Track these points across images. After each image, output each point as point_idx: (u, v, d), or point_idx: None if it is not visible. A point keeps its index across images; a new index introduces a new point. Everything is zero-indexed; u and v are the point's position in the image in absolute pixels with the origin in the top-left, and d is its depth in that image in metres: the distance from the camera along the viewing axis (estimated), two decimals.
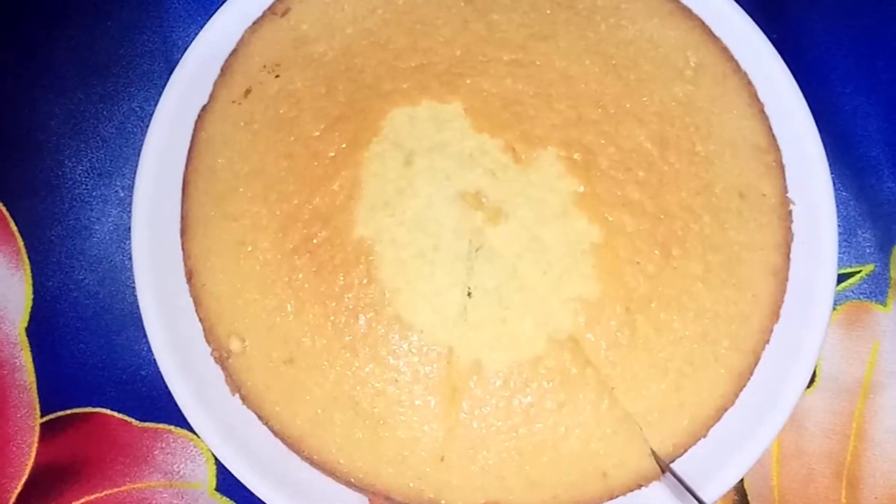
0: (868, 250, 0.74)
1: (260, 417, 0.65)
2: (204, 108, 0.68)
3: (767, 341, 0.64)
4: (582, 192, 0.63)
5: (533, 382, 0.62)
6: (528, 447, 0.63)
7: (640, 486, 0.63)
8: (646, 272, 0.63)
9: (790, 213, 0.65)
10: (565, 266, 0.63)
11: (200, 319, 0.66)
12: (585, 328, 0.63)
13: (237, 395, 0.65)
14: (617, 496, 0.63)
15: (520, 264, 0.63)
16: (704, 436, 0.64)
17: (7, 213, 0.73)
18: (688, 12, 0.69)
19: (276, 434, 0.65)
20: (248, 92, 0.67)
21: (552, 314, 0.62)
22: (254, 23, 0.69)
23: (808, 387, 0.67)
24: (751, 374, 0.64)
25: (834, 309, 0.66)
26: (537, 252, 0.63)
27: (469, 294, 0.62)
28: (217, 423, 0.65)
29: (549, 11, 0.68)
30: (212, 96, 0.68)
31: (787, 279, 0.65)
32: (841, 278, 0.71)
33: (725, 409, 0.64)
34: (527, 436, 0.63)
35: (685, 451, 0.64)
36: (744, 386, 0.64)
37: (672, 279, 0.63)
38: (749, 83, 0.67)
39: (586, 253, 0.63)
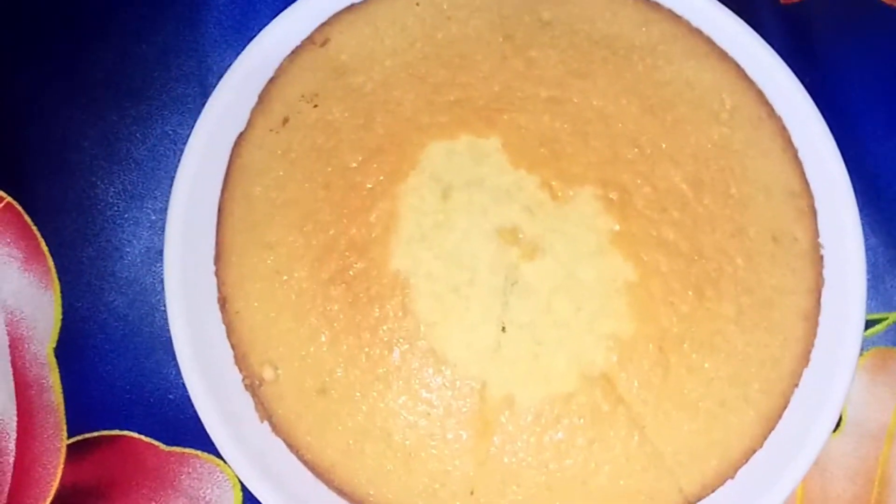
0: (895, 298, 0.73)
1: (290, 446, 0.65)
2: (241, 135, 0.68)
3: (797, 385, 0.65)
4: (617, 231, 0.64)
5: (564, 418, 0.62)
6: (558, 483, 0.63)
7: None
8: (679, 312, 0.63)
9: (822, 258, 0.66)
10: (600, 304, 0.63)
11: (232, 346, 0.66)
12: (618, 366, 0.63)
13: (266, 423, 0.65)
14: None
15: (554, 300, 0.63)
16: (732, 477, 0.64)
17: (38, 233, 0.73)
18: (723, 55, 0.69)
19: (305, 463, 0.65)
20: (285, 121, 0.67)
21: (585, 351, 0.63)
22: (292, 51, 0.69)
23: (834, 431, 0.67)
24: (780, 417, 0.64)
25: (861, 355, 0.66)
26: (572, 289, 0.63)
27: (503, 329, 0.62)
28: (245, 450, 0.65)
29: (586, 50, 0.68)
30: (249, 123, 0.68)
31: (817, 324, 0.65)
32: (868, 324, 0.72)
33: (754, 451, 0.64)
34: (557, 471, 0.63)
35: (713, 491, 0.64)
36: (772, 429, 0.64)
37: (705, 320, 0.64)
38: (783, 127, 0.68)
39: (620, 291, 0.63)
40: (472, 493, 0.63)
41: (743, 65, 0.69)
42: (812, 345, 0.65)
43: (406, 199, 0.64)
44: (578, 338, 0.63)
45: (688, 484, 0.64)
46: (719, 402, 0.64)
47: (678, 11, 0.70)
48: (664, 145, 0.66)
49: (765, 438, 0.65)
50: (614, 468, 0.63)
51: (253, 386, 0.65)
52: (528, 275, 0.63)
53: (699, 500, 0.64)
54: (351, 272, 0.64)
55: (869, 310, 0.72)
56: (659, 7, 0.70)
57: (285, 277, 0.65)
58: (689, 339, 0.64)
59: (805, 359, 0.65)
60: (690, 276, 0.64)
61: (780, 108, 0.69)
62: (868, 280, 0.66)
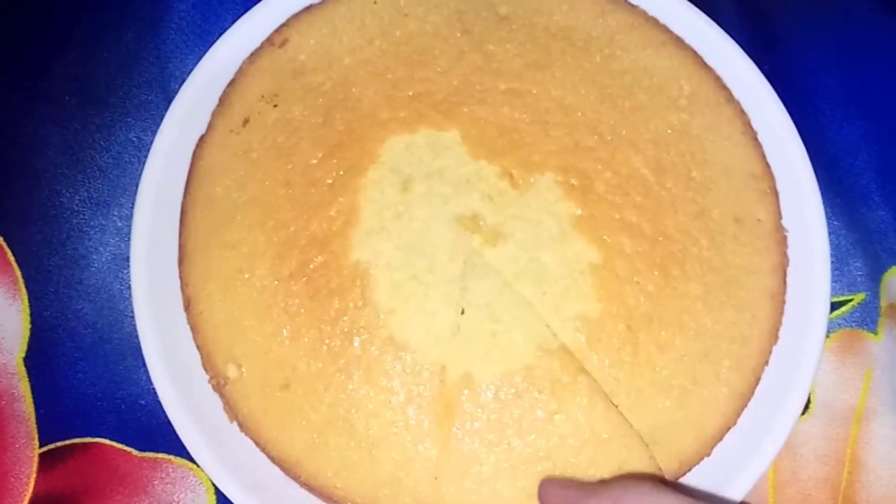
0: (859, 279, 0.74)
1: (257, 444, 0.65)
2: (202, 138, 0.68)
3: (766, 363, 0.64)
4: (579, 216, 0.64)
5: (524, 393, 0.63)
6: (522, 459, 0.63)
7: None
8: (646, 291, 0.64)
9: (785, 238, 0.66)
10: (565, 286, 0.63)
11: (198, 347, 0.66)
12: (587, 346, 0.63)
13: (235, 423, 0.65)
14: None
15: (518, 285, 0.63)
16: (709, 454, 0.64)
17: (4, 244, 0.73)
18: (680, 42, 0.70)
19: (273, 460, 0.65)
20: (246, 121, 0.68)
21: (546, 328, 0.63)
22: (252, 53, 0.70)
23: (803, 413, 0.67)
24: (752, 393, 0.64)
25: (827, 336, 0.66)
26: (536, 273, 0.63)
27: (462, 312, 0.62)
28: (216, 452, 0.65)
29: (544, 42, 0.69)
30: (210, 126, 0.68)
31: (784, 302, 0.65)
32: (833, 307, 0.72)
33: (728, 428, 0.64)
34: (520, 447, 0.63)
35: (690, 468, 0.64)
36: (745, 406, 0.64)
37: (672, 298, 0.64)
38: (742, 112, 0.68)
39: (585, 273, 0.63)
40: (436, 478, 0.62)
41: (700, 52, 0.70)
42: (780, 322, 0.65)
43: (366, 193, 0.65)
44: (544, 320, 0.62)
45: (666, 462, 0.63)
46: (691, 380, 0.64)
47: (634, 1, 0.70)
48: (624, 132, 0.66)
49: (738, 415, 0.65)
50: (578, 439, 0.63)
51: (219, 385, 0.65)
52: (490, 260, 0.63)
53: (677, 477, 0.64)
54: (311, 266, 0.64)
55: (834, 292, 0.72)
56: None
57: (247, 276, 0.65)
58: (657, 318, 0.64)
59: (774, 336, 0.65)
60: (655, 256, 0.64)
61: (738, 93, 0.69)
62: (832, 263, 0.66)
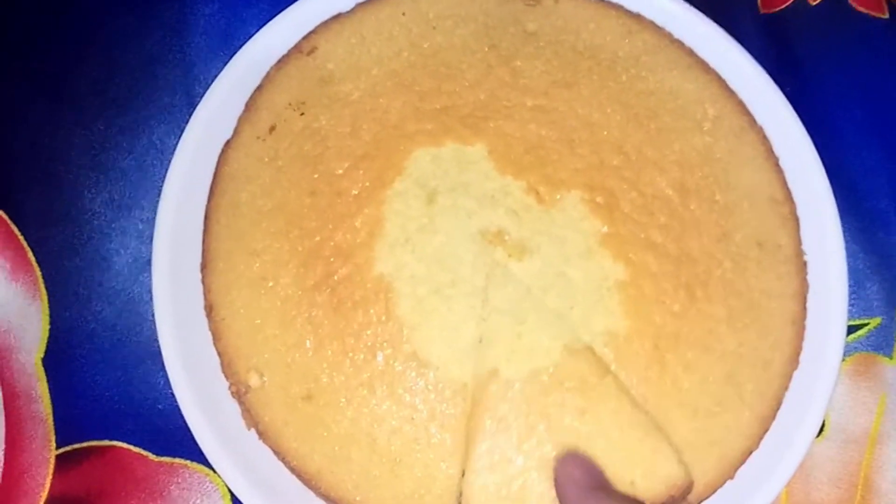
0: (875, 303, 0.75)
1: (277, 453, 0.65)
2: (228, 143, 0.68)
3: (787, 387, 0.65)
4: (606, 233, 0.64)
5: (552, 391, 0.63)
6: (551, 456, 0.63)
7: (670, 496, 0.62)
8: (672, 311, 0.64)
9: (805, 264, 0.66)
10: (593, 301, 0.64)
11: (219, 353, 0.66)
12: (616, 363, 0.63)
13: (254, 431, 0.65)
14: None
15: (546, 299, 0.64)
16: (732, 477, 0.64)
17: (25, 243, 0.73)
18: (705, 65, 0.70)
19: (292, 470, 0.65)
20: (272, 129, 0.68)
21: (571, 331, 0.63)
22: (279, 60, 0.70)
23: (817, 436, 0.67)
24: (773, 418, 0.65)
25: (843, 360, 0.66)
26: (564, 288, 0.64)
27: (485, 320, 0.62)
28: (234, 459, 0.65)
29: (571, 60, 0.69)
30: (236, 131, 0.68)
31: (804, 328, 0.65)
32: (849, 330, 0.72)
33: (751, 452, 0.65)
34: (549, 444, 0.63)
35: (714, 491, 0.64)
36: (767, 430, 0.65)
37: (697, 320, 0.64)
38: (765, 137, 0.68)
39: (612, 290, 0.64)
40: (463, 472, 0.63)
41: (725, 75, 0.70)
42: (800, 348, 0.65)
43: (391, 205, 0.65)
44: (571, 326, 0.63)
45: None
46: (716, 402, 0.64)
47: (660, 23, 0.71)
48: (649, 152, 0.67)
49: (760, 439, 0.65)
50: (607, 440, 0.63)
51: (239, 393, 0.65)
52: (514, 271, 0.64)
53: (701, 500, 0.64)
54: (336, 277, 0.64)
55: (850, 315, 0.72)
56: (641, 19, 0.70)
57: (271, 284, 0.65)
58: (684, 338, 0.64)
59: (794, 362, 0.65)
60: (680, 277, 0.65)
61: (761, 118, 0.69)
62: (849, 286, 0.66)
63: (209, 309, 0.66)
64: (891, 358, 0.73)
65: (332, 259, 0.64)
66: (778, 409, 0.65)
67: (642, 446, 0.63)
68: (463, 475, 0.63)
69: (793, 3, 0.79)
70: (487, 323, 0.63)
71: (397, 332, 0.63)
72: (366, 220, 0.65)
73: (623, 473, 0.63)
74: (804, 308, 0.66)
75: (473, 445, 0.62)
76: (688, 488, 0.63)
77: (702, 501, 0.64)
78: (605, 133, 0.67)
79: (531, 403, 0.63)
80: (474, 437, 0.62)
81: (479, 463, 0.62)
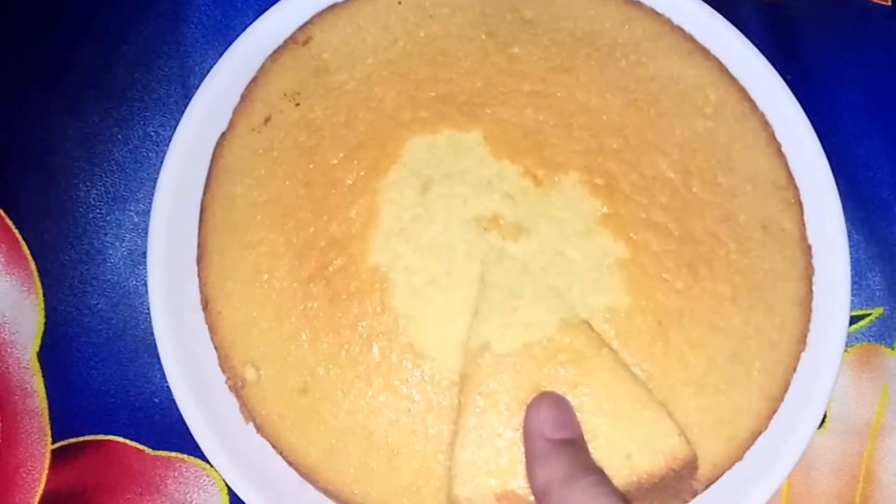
0: (878, 294, 0.74)
1: (274, 447, 0.64)
2: (223, 135, 0.68)
3: (795, 368, 0.64)
4: (606, 213, 0.64)
5: (545, 364, 0.62)
6: None
7: (671, 470, 0.61)
8: (675, 288, 0.63)
9: (810, 247, 0.66)
10: (592, 279, 0.63)
11: (216, 347, 0.65)
12: (617, 339, 0.63)
13: (251, 424, 0.64)
14: (645, 479, 0.61)
15: (545, 277, 0.63)
16: (740, 458, 0.64)
17: (20, 237, 0.72)
18: (706, 52, 0.69)
19: (289, 464, 0.64)
20: (267, 120, 0.67)
21: (568, 304, 0.62)
22: (274, 51, 0.69)
23: (819, 427, 0.66)
24: (782, 398, 0.64)
25: (845, 351, 0.65)
26: (563, 266, 0.63)
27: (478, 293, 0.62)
28: (230, 452, 0.64)
29: (569, 46, 0.68)
30: (231, 123, 0.68)
31: (811, 310, 0.65)
32: (851, 321, 0.71)
33: (759, 433, 0.64)
34: None
35: (723, 472, 0.63)
36: (776, 410, 0.64)
37: (701, 297, 0.63)
38: (767, 124, 0.68)
39: (613, 267, 0.63)
40: (450, 444, 0.62)
41: (726, 62, 0.69)
42: (808, 329, 0.65)
43: (386, 194, 0.64)
44: (570, 306, 0.62)
45: (700, 463, 0.63)
46: (724, 380, 0.63)
47: (660, 9, 0.70)
48: (650, 136, 0.66)
49: (769, 420, 0.64)
50: (602, 411, 0.62)
51: (236, 387, 0.64)
52: (510, 251, 0.63)
53: (710, 480, 0.63)
54: (330, 269, 0.64)
55: (852, 306, 0.71)
56: (641, 5, 0.70)
57: (266, 277, 0.65)
58: (688, 315, 0.63)
59: (802, 342, 0.65)
60: (683, 255, 0.64)
61: (763, 105, 0.69)
62: (851, 276, 0.66)
63: (205, 302, 0.66)
64: (893, 348, 0.73)
65: (327, 250, 0.64)
66: (786, 390, 0.64)
67: (639, 418, 0.62)
68: (450, 445, 0.62)
69: None
70: (483, 294, 0.62)
71: (393, 324, 0.62)
72: (360, 210, 0.64)
73: (618, 445, 0.61)
74: (810, 290, 0.66)
75: (462, 421, 0.61)
76: (691, 463, 0.62)
77: (711, 482, 0.63)
78: (605, 117, 0.66)
79: (522, 376, 0.62)
80: (463, 412, 0.61)
81: (467, 438, 0.61)
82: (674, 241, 0.64)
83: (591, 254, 0.63)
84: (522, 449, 0.61)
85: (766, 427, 0.64)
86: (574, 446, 0.59)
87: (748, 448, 0.64)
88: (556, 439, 0.59)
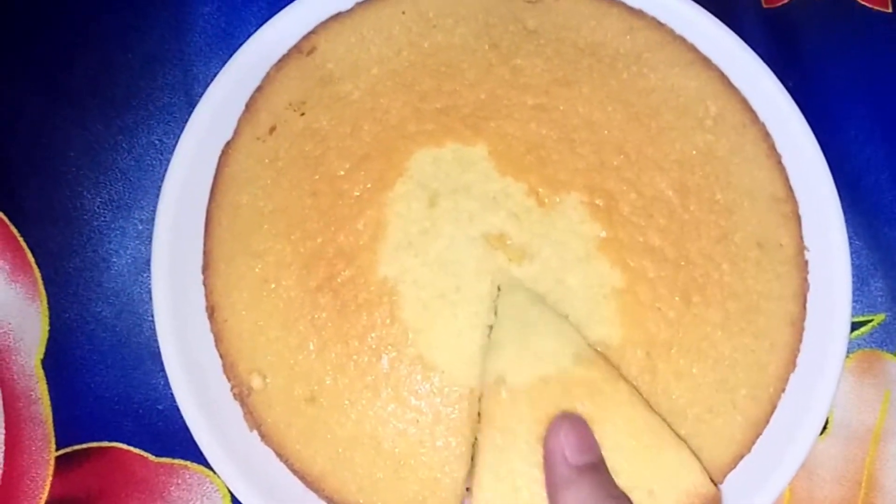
0: (880, 299, 0.75)
1: (279, 455, 0.65)
2: (228, 144, 0.68)
3: (783, 390, 0.65)
4: (604, 237, 0.64)
5: (562, 399, 0.62)
6: None
7: None
8: (667, 318, 0.64)
9: (807, 262, 0.66)
10: (588, 310, 0.63)
11: (221, 355, 0.66)
12: None
13: (255, 432, 0.65)
14: None
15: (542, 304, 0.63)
16: (720, 482, 0.64)
17: (24, 244, 0.72)
18: (707, 62, 0.69)
19: (295, 472, 0.65)
20: (272, 129, 0.67)
21: (581, 336, 0.63)
22: (279, 60, 0.69)
23: (821, 434, 0.67)
24: (767, 422, 0.65)
25: (846, 357, 0.66)
26: (561, 295, 0.63)
27: (491, 327, 0.62)
28: (234, 460, 0.65)
29: (572, 58, 0.68)
30: (236, 132, 0.68)
31: (803, 329, 0.65)
32: (853, 327, 0.72)
33: (742, 457, 0.65)
34: None
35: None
36: (760, 434, 0.65)
37: (692, 326, 0.64)
38: (767, 134, 0.68)
39: (608, 298, 0.63)
40: (467, 488, 0.62)
41: (727, 71, 0.70)
42: (798, 350, 0.66)
43: (393, 207, 0.65)
44: (579, 331, 0.63)
45: None
46: (707, 409, 0.64)
47: (662, 19, 0.70)
48: (650, 152, 0.66)
49: (753, 443, 0.65)
50: (622, 447, 0.62)
51: (242, 395, 0.65)
52: (517, 276, 0.63)
53: None
54: (339, 280, 0.64)
55: (854, 312, 0.72)
56: (643, 15, 0.70)
57: (273, 286, 0.65)
58: (677, 345, 0.64)
59: (791, 364, 0.65)
60: (677, 281, 0.64)
61: (764, 115, 0.69)
62: (853, 282, 0.66)
63: (211, 311, 0.66)
64: (895, 354, 0.73)
65: (334, 261, 0.64)
66: (772, 412, 0.65)
67: (660, 454, 0.63)
68: (468, 491, 0.62)
69: None
70: (496, 327, 0.62)
71: (402, 336, 0.63)
72: (368, 222, 0.65)
73: (640, 482, 0.62)
74: (804, 308, 0.66)
75: (480, 459, 0.62)
76: (714, 499, 0.62)
77: None
78: (606, 132, 0.66)
79: (539, 411, 0.62)
80: (482, 450, 0.62)
81: (485, 476, 0.62)
82: (669, 265, 0.65)
83: (588, 282, 0.64)
84: (542, 484, 0.61)
85: (750, 451, 0.65)
86: (597, 472, 0.60)
87: (729, 472, 0.65)
88: (579, 465, 0.59)
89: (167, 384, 0.65)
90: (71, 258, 0.73)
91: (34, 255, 0.73)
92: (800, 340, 0.66)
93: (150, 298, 0.66)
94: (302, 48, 0.69)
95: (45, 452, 0.70)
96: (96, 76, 0.75)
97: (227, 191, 0.67)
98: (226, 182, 0.67)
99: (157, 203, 0.66)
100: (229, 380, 0.65)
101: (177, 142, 0.67)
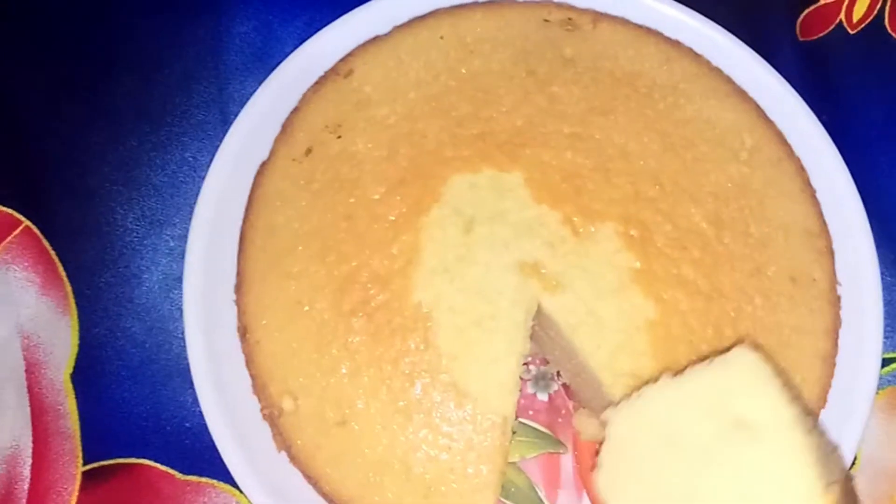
0: None
1: (309, 478, 0.65)
2: (263, 164, 0.68)
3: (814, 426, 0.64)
4: (638, 269, 0.64)
5: None
6: None
7: None
8: (698, 351, 0.63)
9: (839, 298, 0.66)
10: (619, 341, 0.63)
11: (252, 376, 0.66)
12: None
13: (283, 453, 0.65)
14: None
15: (574, 337, 0.63)
16: None
17: (56, 258, 0.73)
18: (743, 94, 0.70)
19: (323, 495, 0.65)
20: (308, 151, 0.68)
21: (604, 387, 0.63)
22: (316, 82, 0.70)
23: (850, 469, 0.67)
24: None
25: (876, 393, 0.66)
26: (592, 326, 0.63)
27: (527, 364, 0.62)
28: (261, 480, 0.65)
29: (608, 87, 0.69)
30: (272, 152, 0.68)
31: (834, 364, 0.65)
32: (883, 363, 0.72)
33: None
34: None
35: None
36: None
37: None
38: (802, 168, 0.69)
39: (641, 330, 0.63)
40: None
41: (763, 104, 0.70)
42: (829, 385, 0.65)
43: (429, 232, 0.65)
44: (595, 374, 0.62)
45: None
46: None
47: (699, 50, 0.71)
48: (685, 183, 0.66)
49: None
50: None
51: (272, 416, 0.64)
52: (549, 309, 0.63)
53: None
54: (373, 304, 0.64)
55: (885, 348, 0.71)
56: (680, 46, 0.71)
57: (307, 308, 0.65)
58: None
59: (822, 400, 0.65)
60: (710, 314, 0.64)
61: (799, 149, 0.69)
62: (884, 318, 0.66)
63: (243, 331, 0.66)
64: None
65: (369, 285, 0.64)
66: None
67: None
68: None
69: (832, 30, 0.79)
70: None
71: (436, 362, 0.63)
72: (403, 247, 0.65)
73: None
74: (835, 345, 0.66)
75: None
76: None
77: None
78: (642, 163, 0.67)
79: None
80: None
81: None
82: (702, 298, 0.64)
83: (621, 313, 0.64)
84: None
85: None
86: None
87: None
88: None
89: (195, 402, 0.65)
90: (102, 273, 0.73)
91: (66, 270, 0.73)
92: (831, 376, 0.65)
93: (181, 316, 0.66)
94: (339, 70, 0.70)
95: (73, 467, 0.71)
96: (132, 93, 0.76)
97: (262, 211, 0.67)
98: (260, 202, 0.67)
99: (189, 220, 0.67)
100: (259, 400, 0.65)
101: (211, 159, 0.68)
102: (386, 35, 0.71)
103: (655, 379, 0.60)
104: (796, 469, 0.51)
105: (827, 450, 0.53)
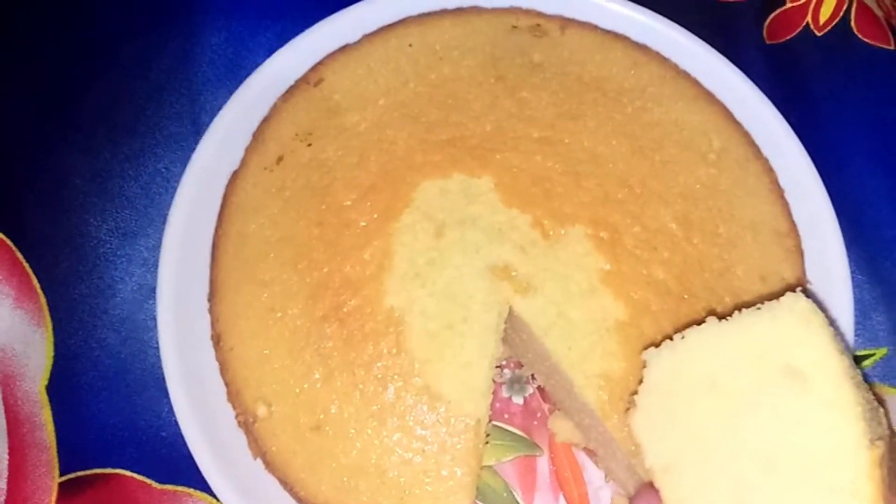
0: (882, 333, 0.75)
1: (284, 483, 0.65)
2: (234, 173, 0.69)
3: None
4: (608, 270, 0.65)
5: None
6: None
7: None
8: None
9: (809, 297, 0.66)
10: (591, 343, 0.64)
11: (226, 383, 0.66)
12: (609, 405, 0.63)
13: (259, 460, 0.65)
14: None
15: (545, 339, 0.63)
16: None
17: (30, 270, 0.73)
18: (711, 97, 0.71)
19: (299, 500, 0.65)
20: (280, 159, 0.68)
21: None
22: (286, 91, 0.70)
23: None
24: None
25: None
26: (564, 328, 0.64)
27: (500, 368, 0.62)
28: (238, 488, 0.65)
29: (577, 91, 0.69)
30: (243, 162, 0.69)
31: None
32: (855, 361, 0.72)
33: None
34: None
35: None
36: None
37: None
38: (770, 169, 0.69)
39: (611, 331, 0.64)
40: None
41: (730, 106, 0.71)
42: None
43: (400, 237, 0.65)
44: (567, 375, 0.63)
45: None
46: None
47: (666, 54, 0.71)
48: (654, 185, 0.67)
49: None
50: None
51: (246, 423, 0.65)
52: (521, 311, 0.64)
53: None
54: (345, 309, 0.64)
55: (856, 346, 0.72)
56: (647, 50, 0.71)
57: (279, 315, 0.65)
58: None
59: None
60: (680, 315, 0.65)
61: (767, 150, 0.70)
62: (855, 317, 0.67)
63: (217, 339, 0.66)
64: None
65: (341, 291, 0.65)
66: None
67: None
68: None
69: (799, 33, 0.80)
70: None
71: (408, 366, 0.63)
72: (374, 252, 0.65)
73: None
74: None
75: None
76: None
77: None
78: (611, 166, 0.67)
79: None
80: None
81: None
82: (672, 298, 0.65)
83: (591, 315, 0.64)
84: None
85: None
86: None
87: None
88: None
89: (171, 411, 0.65)
90: (76, 285, 0.73)
91: (40, 282, 0.73)
92: None
93: (156, 326, 0.66)
94: (309, 79, 0.70)
95: (49, 478, 0.70)
96: (104, 104, 0.76)
97: (234, 220, 0.68)
98: (232, 211, 0.68)
99: (163, 231, 0.67)
100: (234, 408, 0.66)
101: (184, 170, 0.67)
102: (355, 43, 0.71)
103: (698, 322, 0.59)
104: (844, 422, 0.51)
105: (873, 405, 0.53)
